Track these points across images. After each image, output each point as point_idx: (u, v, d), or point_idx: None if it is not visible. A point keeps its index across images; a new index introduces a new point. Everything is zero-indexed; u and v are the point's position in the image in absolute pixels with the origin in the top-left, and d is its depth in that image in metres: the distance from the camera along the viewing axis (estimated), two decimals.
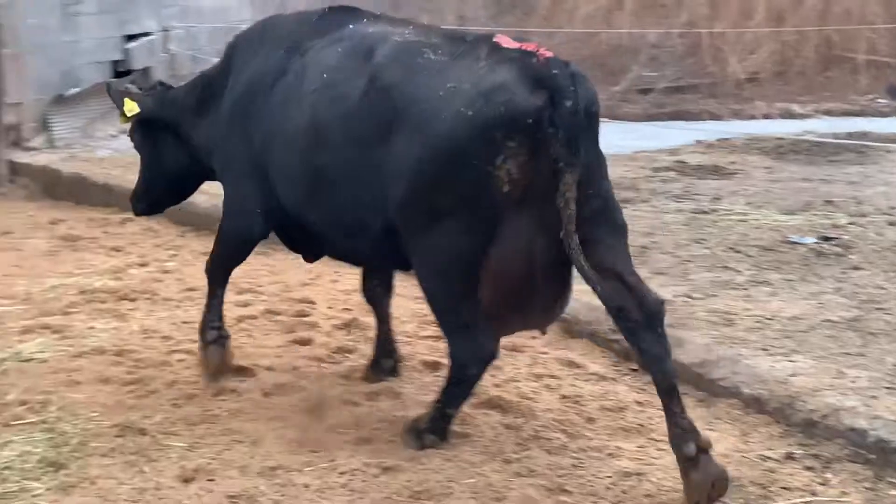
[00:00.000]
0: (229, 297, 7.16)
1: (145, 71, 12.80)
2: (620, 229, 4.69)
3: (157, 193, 6.21)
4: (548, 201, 4.39)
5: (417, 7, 16.38)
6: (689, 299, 6.71)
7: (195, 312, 6.94)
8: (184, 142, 5.88)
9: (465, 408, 5.41)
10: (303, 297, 7.23)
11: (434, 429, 5.01)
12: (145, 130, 5.99)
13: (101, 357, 6.19)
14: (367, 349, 6.23)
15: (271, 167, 5.25)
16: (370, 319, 6.72)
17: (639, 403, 5.56)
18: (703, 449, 4.47)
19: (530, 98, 4.41)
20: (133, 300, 7.25)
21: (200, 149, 5.79)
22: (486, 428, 5.24)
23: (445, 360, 5.92)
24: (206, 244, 8.40)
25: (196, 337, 6.03)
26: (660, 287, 6.82)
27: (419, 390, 5.70)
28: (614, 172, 10.39)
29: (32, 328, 6.65)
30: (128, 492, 4.63)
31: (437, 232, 4.59)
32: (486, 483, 4.70)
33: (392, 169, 4.66)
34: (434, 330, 6.52)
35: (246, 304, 7.11)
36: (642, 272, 7.05)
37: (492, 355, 4.85)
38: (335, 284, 7.52)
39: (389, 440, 5.09)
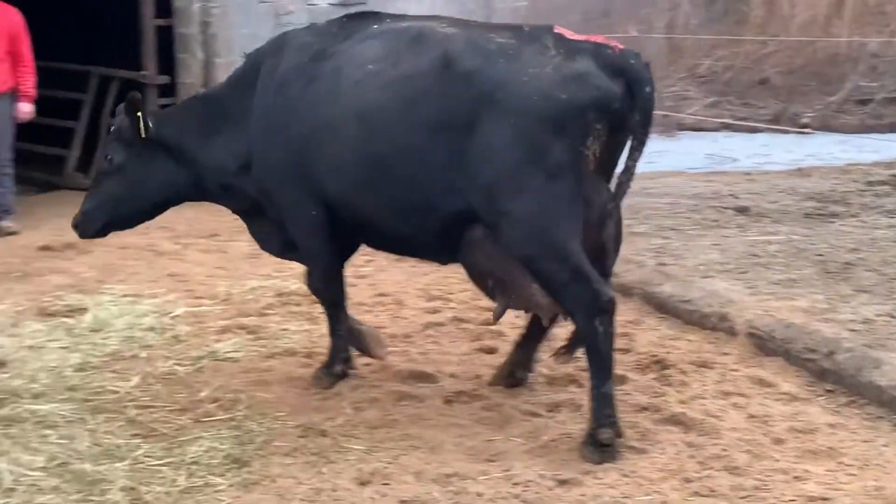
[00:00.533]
0: (418, 303, 7.26)
1: None
2: None
3: (124, 214, 5.95)
4: (605, 175, 5.02)
5: (626, 15, 16.20)
6: (892, 318, 6.37)
7: (385, 318, 7.05)
8: (183, 163, 5.78)
9: (647, 423, 5.31)
10: (491, 306, 7.20)
11: (603, 422, 4.93)
12: (136, 152, 5.79)
13: (291, 358, 6.32)
14: (551, 360, 6.16)
15: (315, 165, 5.30)
16: (559, 330, 6.68)
17: (831, 426, 5.30)
18: None
19: (614, 85, 4.82)
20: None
21: (208, 169, 5.75)
22: (667, 445, 5.09)
23: (632, 375, 5.88)
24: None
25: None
26: (861, 305, 6.54)
27: None
28: (824, 185, 10.16)
29: (229, 328, 6.86)
30: (305, 491, 4.71)
31: (525, 203, 4.82)
32: (663, 501, 4.58)
33: (476, 151, 4.83)
34: (623, 343, 6.43)
35: (434, 311, 7.15)
36: (844, 289, 6.84)
37: (611, 301, 4.92)
38: None
39: (567, 452, 5.01)
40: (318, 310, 7.19)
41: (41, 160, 11.86)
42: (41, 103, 10.15)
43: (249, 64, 5.74)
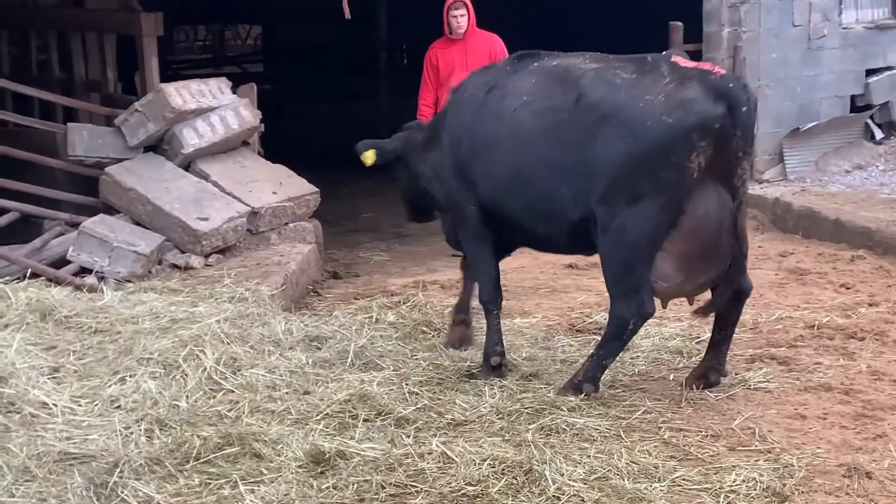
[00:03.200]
0: None
1: (884, 106, 12.45)
2: None
3: (413, 209, 7.42)
4: (720, 181, 5.81)
5: None
6: None
7: None
8: (415, 175, 7.04)
9: None
10: None
11: (591, 378, 6.00)
12: (397, 164, 7.13)
13: (827, 394, 6.06)
14: None
15: (475, 172, 6.40)
16: None
17: None
18: None
19: (716, 108, 5.71)
20: (861, 339, 7.01)
21: (421, 176, 6.95)
22: None
23: None
24: None
25: None
26: None
27: None
28: None
29: (760, 357, 6.69)
30: None
31: (632, 212, 5.78)
32: None
33: (595, 166, 5.82)
34: None
35: None
36: None
37: (651, 312, 5.94)
38: None
39: None
40: (853, 345, 6.90)
41: None
42: None
43: (450, 97, 6.87)
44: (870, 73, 12.47)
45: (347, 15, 9.75)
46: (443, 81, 9.72)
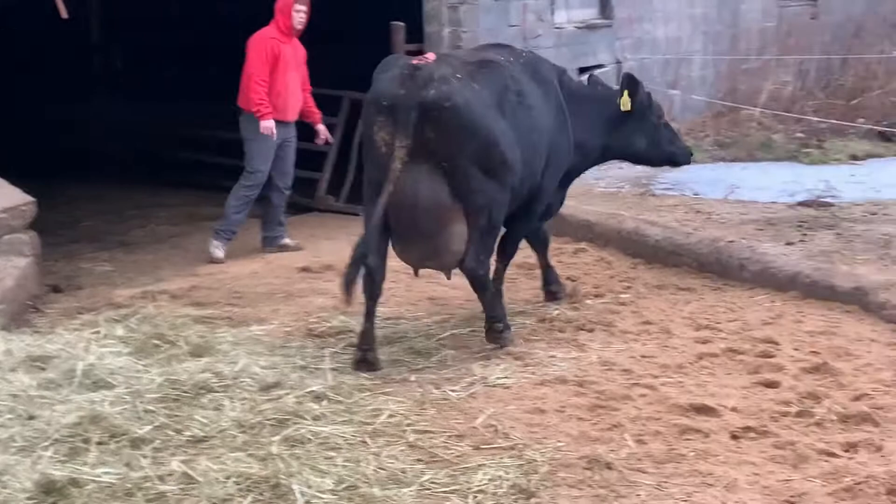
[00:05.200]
0: (686, 332, 7.03)
1: None
2: None
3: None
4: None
5: (878, 35, 15.55)
6: None
7: (654, 347, 6.85)
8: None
9: None
10: (765, 336, 6.92)
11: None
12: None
13: (563, 386, 6.20)
14: (839, 395, 5.86)
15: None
16: (841, 365, 6.36)
17: None
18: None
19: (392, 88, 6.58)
20: (590, 331, 7.24)
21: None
22: None
23: None
24: (659, 277, 8.34)
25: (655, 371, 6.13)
26: None
27: None
28: None
29: (496, 353, 6.79)
30: None
31: None
32: None
33: None
34: None
35: (705, 342, 6.89)
36: None
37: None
38: (799, 325, 7.14)
39: (875, 497, 4.70)
40: (584, 336, 7.11)
41: (293, 183, 12.13)
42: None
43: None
44: (582, 70, 12.92)
45: (64, 14, 9.29)
46: (276, 75, 9.68)
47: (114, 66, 18.95)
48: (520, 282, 8.51)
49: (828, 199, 10.30)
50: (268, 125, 9.68)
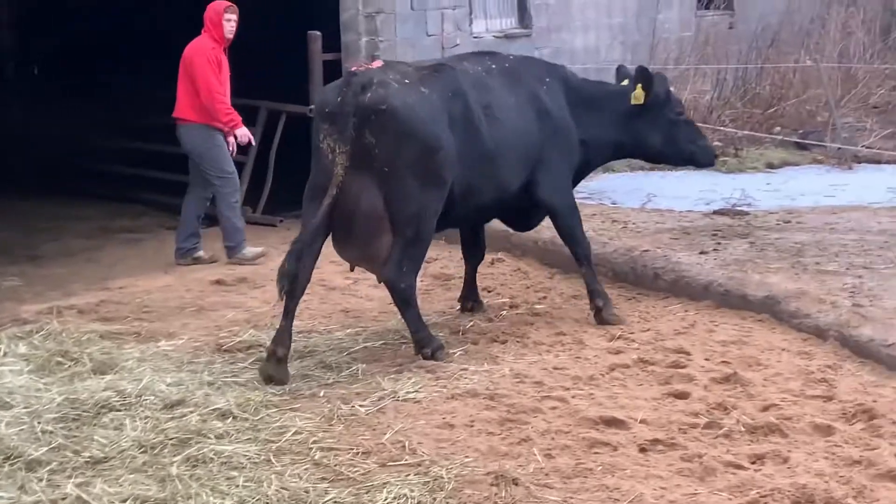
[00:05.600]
0: (600, 343, 7.01)
1: None
2: None
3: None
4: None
5: (795, 45, 15.72)
6: None
7: (566, 358, 6.81)
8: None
9: (862, 479, 4.95)
10: (677, 346, 6.91)
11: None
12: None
13: (473, 400, 6.13)
14: (747, 406, 5.85)
15: None
16: (751, 375, 6.36)
17: None
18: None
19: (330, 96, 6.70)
20: (504, 342, 7.18)
21: None
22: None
23: (838, 425, 5.51)
24: (575, 287, 8.32)
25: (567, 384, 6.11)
26: None
27: (808, 456, 5.24)
28: None
29: (408, 366, 6.71)
30: None
31: None
32: None
33: None
34: (822, 390, 6.07)
35: (618, 352, 6.87)
36: None
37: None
38: (711, 334, 7.15)
39: None
40: (497, 349, 7.05)
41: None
42: None
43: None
44: None
45: None
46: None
47: (29, 72, 18.67)
48: (434, 293, 8.44)
49: (743, 208, 10.39)
50: (244, 132, 9.69)
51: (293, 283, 6.51)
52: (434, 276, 8.91)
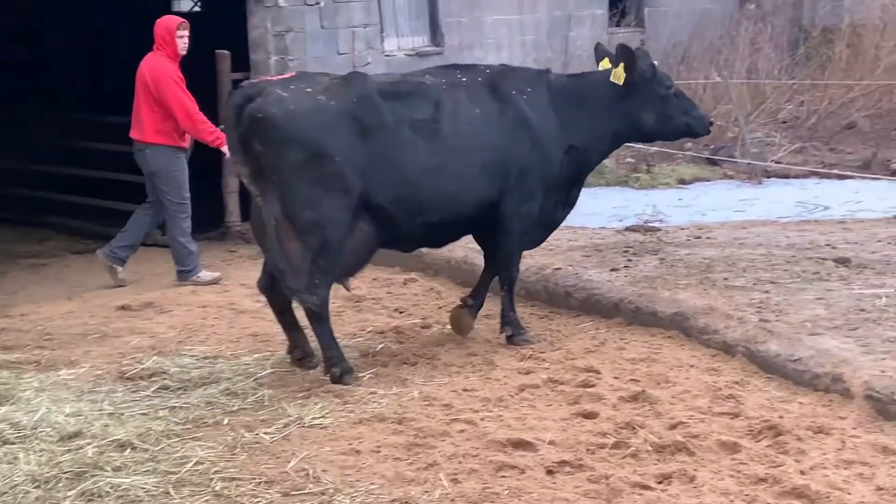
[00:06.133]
0: (510, 364, 6.96)
1: None
2: None
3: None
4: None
5: (705, 61, 15.90)
6: None
7: (476, 379, 6.75)
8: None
9: (768, 497, 4.95)
10: (587, 365, 6.88)
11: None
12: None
13: (381, 424, 6.04)
14: (655, 424, 5.83)
15: None
16: (659, 392, 6.35)
17: None
18: None
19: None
20: (414, 364, 7.10)
21: None
22: None
23: (744, 442, 5.51)
24: (487, 306, 8.26)
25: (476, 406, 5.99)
26: None
27: (714, 475, 5.22)
28: None
29: (316, 390, 6.60)
30: None
31: None
32: None
33: None
34: (730, 406, 6.07)
35: (528, 373, 6.82)
36: None
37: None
38: (621, 352, 7.13)
39: None
40: (407, 371, 6.96)
41: (114, 215, 11.75)
42: (113, 159, 10.14)
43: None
44: None
45: None
46: None
47: None
48: (345, 315, 8.33)
49: (654, 224, 10.43)
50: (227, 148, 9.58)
51: (271, 301, 7.01)
52: (345, 297, 8.78)
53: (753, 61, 15.73)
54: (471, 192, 7.10)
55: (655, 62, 7.75)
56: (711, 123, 8.06)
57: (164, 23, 9.52)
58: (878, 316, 7.14)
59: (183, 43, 9.49)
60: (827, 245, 9.32)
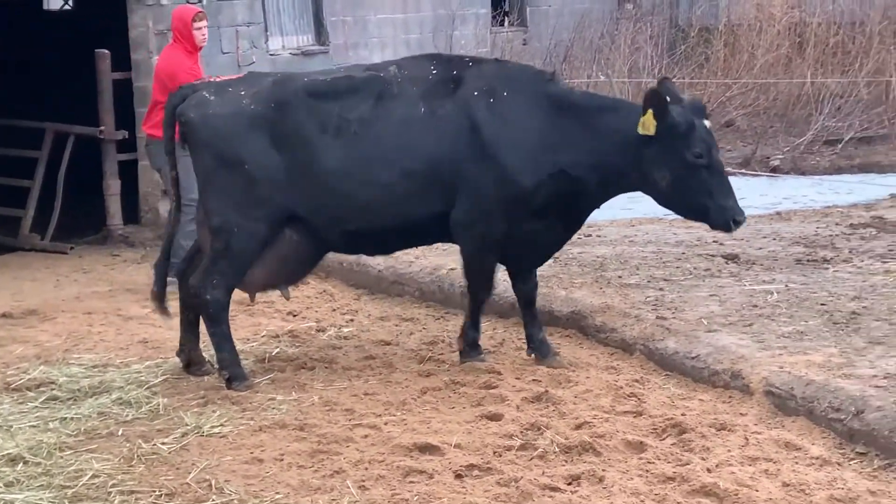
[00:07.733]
0: (410, 366, 6.88)
1: None
2: None
3: None
4: None
5: (586, 60, 16.04)
6: None
7: (376, 383, 6.66)
8: None
9: (677, 496, 4.97)
10: (487, 366, 6.84)
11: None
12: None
13: (282, 431, 5.90)
14: (560, 425, 5.81)
15: None
16: (562, 392, 6.34)
17: (872, 493, 4.98)
18: None
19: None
20: (312, 369, 6.97)
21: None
22: None
23: (650, 441, 5.52)
24: (383, 307, 8.18)
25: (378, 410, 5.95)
26: (879, 359, 6.24)
27: (623, 475, 5.22)
28: (807, 229, 9.90)
29: (213, 398, 6.43)
30: None
31: None
32: None
33: None
34: (632, 405, 6.09)
35: (429, 375, 6.76)
36: (857, 342, 6.53)
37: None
38: (521, 352, 7.11)
39: None
40: (305, 376, 6.83)
41: None
42: None
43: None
44: None
45: None
46: None
47: None
48: (238, 319, 8.14)
49: None
50: None
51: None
52: (237, 301, 8.59)
53: (634, 60, 15.92)
54: (391, 202, 6.52)
55: (707, 122, 6.46)
56: (738, 223, 6.43)
57: (181, 16, 9.04)
58: (771, 311, 7.26)
59: (201, 35, 9.08)
60: (714, 241, 9.45)
